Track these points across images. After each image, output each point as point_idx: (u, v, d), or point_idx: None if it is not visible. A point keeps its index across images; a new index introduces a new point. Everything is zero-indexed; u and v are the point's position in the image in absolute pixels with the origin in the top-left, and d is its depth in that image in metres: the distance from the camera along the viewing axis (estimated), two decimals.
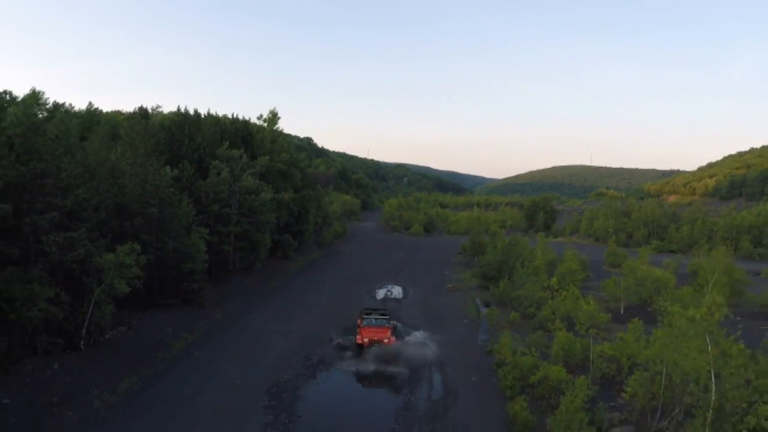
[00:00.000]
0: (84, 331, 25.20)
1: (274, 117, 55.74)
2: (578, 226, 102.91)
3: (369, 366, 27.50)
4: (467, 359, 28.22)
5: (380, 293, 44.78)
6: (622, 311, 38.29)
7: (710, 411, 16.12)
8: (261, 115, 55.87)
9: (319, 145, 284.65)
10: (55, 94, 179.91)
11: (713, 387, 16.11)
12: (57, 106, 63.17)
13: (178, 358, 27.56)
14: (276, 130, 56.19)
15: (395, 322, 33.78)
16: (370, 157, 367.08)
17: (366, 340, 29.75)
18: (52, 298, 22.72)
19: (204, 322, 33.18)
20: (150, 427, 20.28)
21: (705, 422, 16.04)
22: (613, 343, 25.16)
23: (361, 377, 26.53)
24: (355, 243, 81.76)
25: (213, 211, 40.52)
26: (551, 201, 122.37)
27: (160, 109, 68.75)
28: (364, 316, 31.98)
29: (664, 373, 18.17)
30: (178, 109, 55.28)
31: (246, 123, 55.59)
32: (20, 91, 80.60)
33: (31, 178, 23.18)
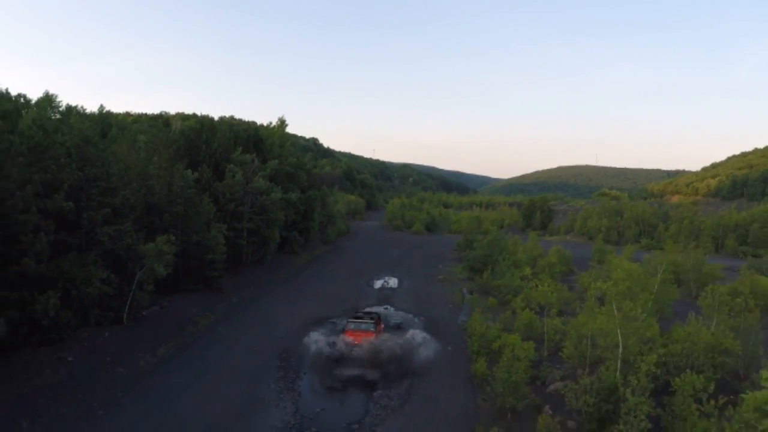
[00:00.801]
0: (127, 307, 30.71)
1: (282, 124, 61.29)
2: (573, 225, 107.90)
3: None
4: (447, 334, 33.54)
5: (377, 283, 50.19)
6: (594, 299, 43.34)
7: (619, 361, 21.38)
8: (270, 123, 61.43)
9: (325, 145, 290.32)
10: (60, 94, 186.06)
11: (620, 342, 21.35)
12: (70, 109, 67.97)
13: (203, 332, 33.03)
14: (284, 136, 61.71)
15: (398, 312, 38.87)
16: (375, 157, 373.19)
17: (345, 342, 30.67)
18: (104, 278, 28.24)
19: (223, 304, 38.67)
20: (185, 381, 25.70)
21: (616, 369, 21.28)
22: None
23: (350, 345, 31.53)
24: (357, 240, 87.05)
25: (229, 210, 46.02)
26: (548, 201, 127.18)
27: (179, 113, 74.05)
28: (351, 320, 33.22)
29: (589, 336, 23.44)
30: (195, 115, 60.73)
31: (256, 130, 61.12)
32: (15, 90, 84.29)
33: (87, 181, 28.70)
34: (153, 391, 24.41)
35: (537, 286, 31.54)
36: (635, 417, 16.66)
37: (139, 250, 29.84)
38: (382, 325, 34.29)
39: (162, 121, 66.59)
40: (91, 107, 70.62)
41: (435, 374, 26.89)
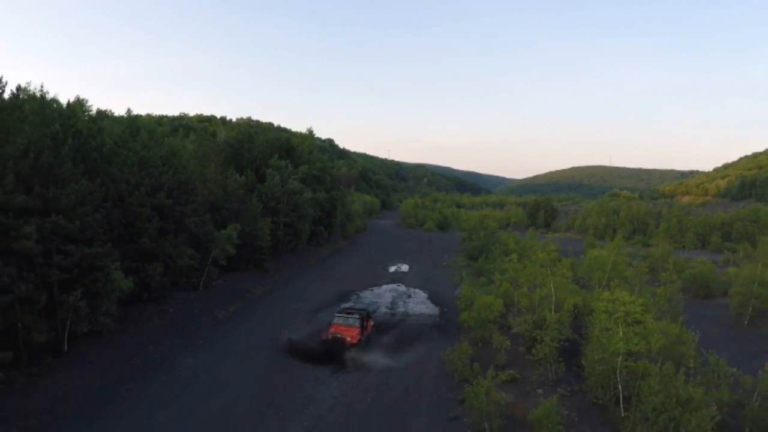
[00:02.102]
0: (203, 278, 41.56)
1: (310, 134, 72.11)
2: (574, 223, 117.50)
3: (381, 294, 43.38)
4: (445, 301, 44.10)
5: (392, 268, 60.72)
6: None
7: (553, 306, 31.64)
8: (300, 131, 72.19)
9: (341, 146, 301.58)
10: (72, 94, 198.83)
11: (553, 291, 31.63)
12: (100, 113, 77.24)
13: (258, 299, 43.84)
14: (312, 144, 72.48)
15: (408, 287, 49.31)
16: (390, 157, 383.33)
17: (330, 336, 32.28)
18: (190, 255, 39.08)
19: (269, 281, 49.46)
20: (253, 326, 36.47)
21: (550, 309, 31.51)
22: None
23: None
24: (374, 236, 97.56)
25: (270, 207, 56.74)
26: (552, 201, 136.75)
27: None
28: (338, 314, 35.00)
29: (538, 290, 33.76)
30: (213, 117, 71.59)
31: (288, 139, 71.97)
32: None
33: (178, 184, 39.56)
34: (231, 332, 35.23)
35: (512, 265, 41.79)
36: (551, 330, 26.91)
37: (214, 235, 40.66)
38: (372, 322, 36.38)
39: (210, 132, 77.25)
40: (100, 107, 78.01)
41: (435, 322, 37.49)
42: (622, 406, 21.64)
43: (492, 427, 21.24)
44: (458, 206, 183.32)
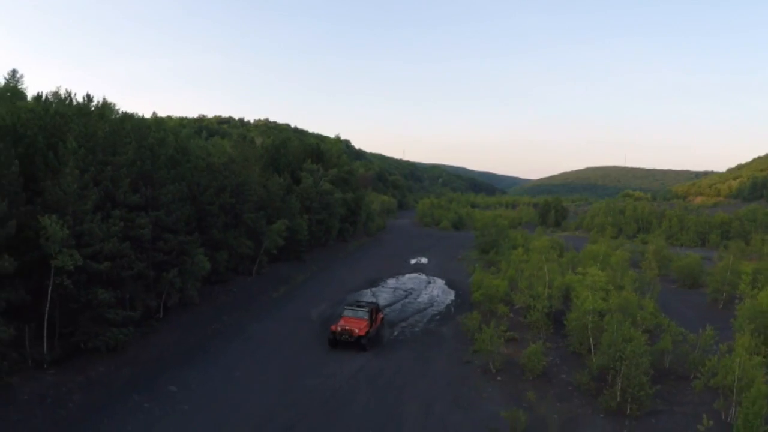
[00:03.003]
0: (256, 266, 49.87)
1: (338, 140, 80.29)
2: (582, 223, 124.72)
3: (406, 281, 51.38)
4: (460, 286, 52.04)
5: (412, 261, 68.73)
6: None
7: (546, 283, 39.40)
8: (330, 137, 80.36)
9: (357, 147, 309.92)
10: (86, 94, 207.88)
11: (546, 275, 39.41)
12: (126, 115, 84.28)
13: (300, 283, 52.10)
14: (340, 149, 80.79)
15: (429, 276, 57.27)
16: (405, 158, 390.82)
17: (339, 328, 33.91)
18: (248, 246, 47.35)
19: (307, 269, 57.75)
20: (301, 303, 44.72)
21: (544, 286, 39.26)
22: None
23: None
24: (393, 234, 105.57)
25: (305, 205, 64.97)
26: (562, 201, 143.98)
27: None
28: (347, 307, 36.81)
29: (535, 272, 41.59)
30: (231, 118, 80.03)
31: (318, 145, 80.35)
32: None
33: (237, 185, 47.88)
34: (284, 307, 43.61)
35: (518, 255, 49.62)
36: (541, 300, 34.73)
37: (267, 228, 48.95)
38: (381, 315, 38.44)
39: (249, 139, 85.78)
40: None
41: (451, 301, 45.49)
42: (592, 352, 29.41)
43: (495, 365, 29.18)
44: (473, 206, 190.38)
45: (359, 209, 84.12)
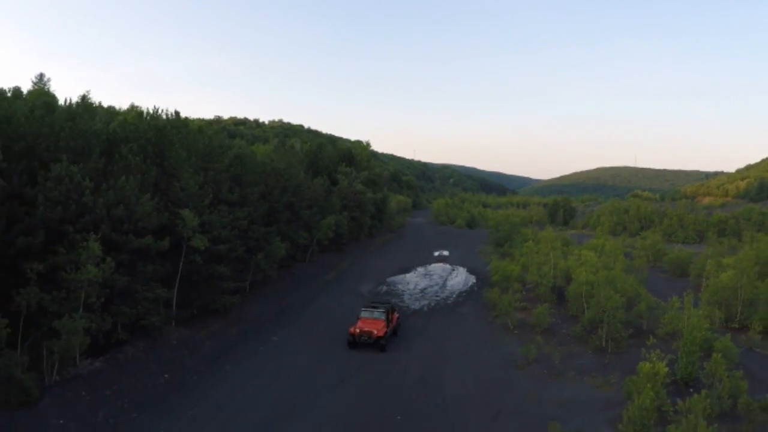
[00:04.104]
0: (309, 254, 60.63)
1: (367, 145, 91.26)
2: (589, 221, 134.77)
3: (432, 269, 61.94)
4: (479, 274, 62.58)
5: (435, 253, 79.32)
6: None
7: (552, 265, 49.86)
8: (360, 142, 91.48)
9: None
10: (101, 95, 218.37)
11: (552, 261, 49.91)
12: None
13: (345, 269, 62.94)
14: (369, 153, 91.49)
15: (452, 265, 67.79)
16: (416, 158, 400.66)
17: (358, 330, 35.74)
18: (305, 237, 58.09)
19: (348, 259, 68.56)
20: (350, 282, 55.54)
21: (550, 267, 49.72)
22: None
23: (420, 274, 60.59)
24: (412, 231, 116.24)
25: (342, 204, 75.62)
26: (570, 201, 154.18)
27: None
28: (364, 308, 38.28)
29: (544, 260, 52.08)
30: (247, 119, 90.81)
31: (350, 149, 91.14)
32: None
33: (296, 186, 58.62)
34: (339, 285, 54.44)
35: (528, 246, 60.03)
36: (547, 278, 45.18)
37: (319, 223, 59.69)
38: (397, 315, 40.31)
39: (289, 144, 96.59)
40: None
41: (474, 283, 56.16)
42: (585, 311, 39.86)
43: (512, 324, 39.76)
44: (484, 206, 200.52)
45: (384, 208, 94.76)
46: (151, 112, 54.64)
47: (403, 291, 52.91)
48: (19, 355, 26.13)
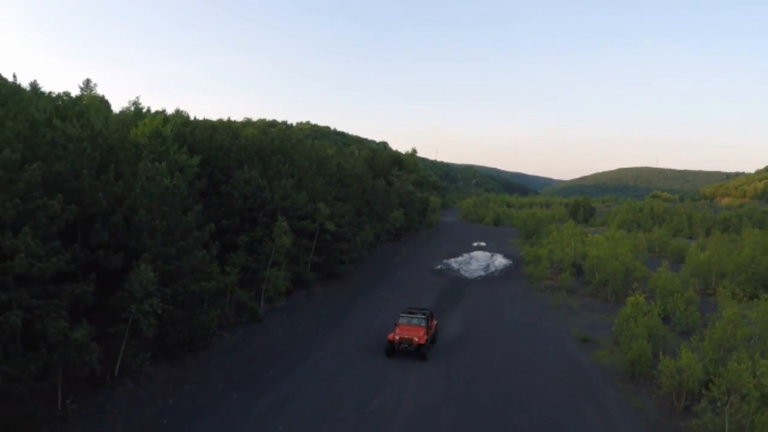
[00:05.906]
0: (379, 241, 79.16)
1: (414, 152, 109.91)
2: (607, 220, 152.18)
3: (475, 255, 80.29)
4: (514, 258, 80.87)
5: (474, 243, 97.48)
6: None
7: (573, 250, 67.95)
8: (407, 150, 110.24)
9: (393, 148, 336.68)
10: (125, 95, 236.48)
11: (573, 244, 68.04)
12: (196, 122, 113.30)
13: (407, 254, 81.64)
14: (415, 158, 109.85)
15: (492, 251, 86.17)
16: (438, 158, 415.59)
17: (397, 337, 34.72)
18: (378, 227, 76.55)
19: (406, 247, 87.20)
20: (415, 264, 74.29)
21: (572, 252, 67.82)
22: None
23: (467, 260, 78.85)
24: (448, 227, 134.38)
25: (397, 202, 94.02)
26: (590, 201, 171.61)
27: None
28: (402, 314, 37.50)
29: (566, 244, 70.22)
30: (275, 120, 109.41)
31: (398, 155, 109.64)
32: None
33: (371, 188, 77.15)
34: (407, 266, 73.04)
35: (553, 236, 78.02)
36: (568, 257, 63.33)
37: (389, 216, 78.23)
38: (435, 321, 39.65)
39: (348, 150, 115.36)
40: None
41: (511, 264, 74.59)
42: (595, 276, 57.84)
43: (544, 288, 58.08)
44: (508, 206, 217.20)
45: (427, 206, 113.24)
46: (262, 127, 73.70)
47: (458, 269, 71.17)
48: (246, 292, 44.93)
